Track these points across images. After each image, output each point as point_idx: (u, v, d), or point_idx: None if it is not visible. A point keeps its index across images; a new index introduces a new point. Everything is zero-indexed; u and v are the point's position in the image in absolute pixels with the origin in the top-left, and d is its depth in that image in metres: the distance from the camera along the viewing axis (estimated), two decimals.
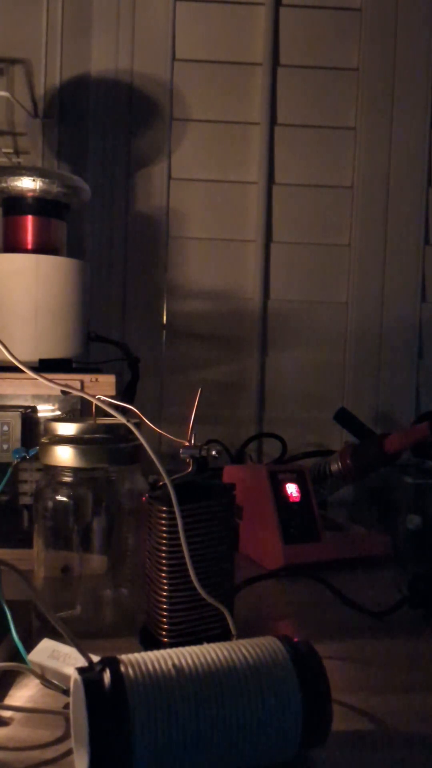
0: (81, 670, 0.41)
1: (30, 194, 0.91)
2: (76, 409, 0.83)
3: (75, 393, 0.61)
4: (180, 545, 0.52)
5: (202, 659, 0.41)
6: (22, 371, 0.56)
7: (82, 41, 1.20)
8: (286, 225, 1.25)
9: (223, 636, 0.54)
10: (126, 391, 1.07)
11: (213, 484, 0.60)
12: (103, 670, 0.40)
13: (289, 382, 1.26)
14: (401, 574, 0.77)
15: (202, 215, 1.22)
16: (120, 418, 0.56)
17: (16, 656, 0.52)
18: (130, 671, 0.40)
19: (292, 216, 1.25)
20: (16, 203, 0.93)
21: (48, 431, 0.64)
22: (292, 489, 0.85)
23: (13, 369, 0.59)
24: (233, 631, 0.54)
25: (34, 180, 0.89)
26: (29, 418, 0.81)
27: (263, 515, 0.83)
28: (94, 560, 0.65)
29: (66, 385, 0.59)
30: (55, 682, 0.50)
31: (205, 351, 1.23)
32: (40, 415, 0.82)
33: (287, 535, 0.81)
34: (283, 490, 0.84)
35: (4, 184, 0.90)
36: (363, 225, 1.25)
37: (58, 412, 0.83)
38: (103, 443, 0.62)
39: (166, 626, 0.54)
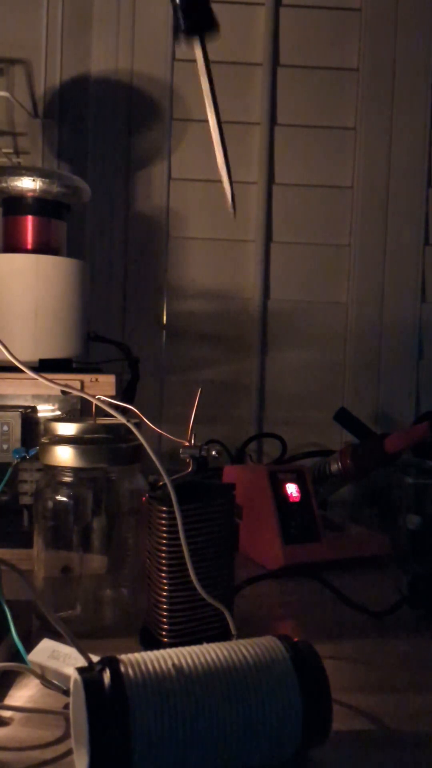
0: (81, 670, 0.41)
1: (30, 194, 0.91)
2: (76, 409, 0.83)
3: (75, 393, 0.61)
4: (180, 545, 0.52)
5: (202, 659, 0.41)
6: (22, 371, 0.56)
7: (82, 41, 1.20)
8: (286, 225, 1.25)
9: (223, 636, 0.54)
10: (126, 391, 1.07)
11: (213, 484, 0.60)
12: (103, 670, 0.40)
13: (289, 382, 1.26)
14: (401, 574, 0.77)
15: (202, 215, 1.22)
16: (120, 418, 0.56)
17: (16, 656, 0.52)
18: (130, 671, 0.40)
19: (292, 216, 1.25)
20: (16, 203, 0.93)
21: (48, 431, 0.64)
22: (292, 489, 0.85)
23: (13, 369, 0.59)
24: (233, 631, 0.54)
25: (34, 180, 0.89)
26: (29, 418, 0.81)
27: (263, 515, 0.83)
28: (94, 560, 0.65)
29: (66, 385, 0.59)
30: (55, 682, 0.50)
31: (205, 351, 1.23)
32: (40, 415, 0.82)
33: (287, 535, 0.81)
34: (283, 490, 0.85)
35: (4, 184, 0.90)
36: (363, 225, 1.25)
37: (58, 412, 0.83)
38: (103, 443, 0.62)
39: (166, 626, 0.54)
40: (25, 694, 0.51)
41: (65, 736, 0.45)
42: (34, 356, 0.88)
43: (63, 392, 0.81)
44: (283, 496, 0.84)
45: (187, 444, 0.57)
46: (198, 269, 1.23)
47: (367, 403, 1.25)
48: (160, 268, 1.23)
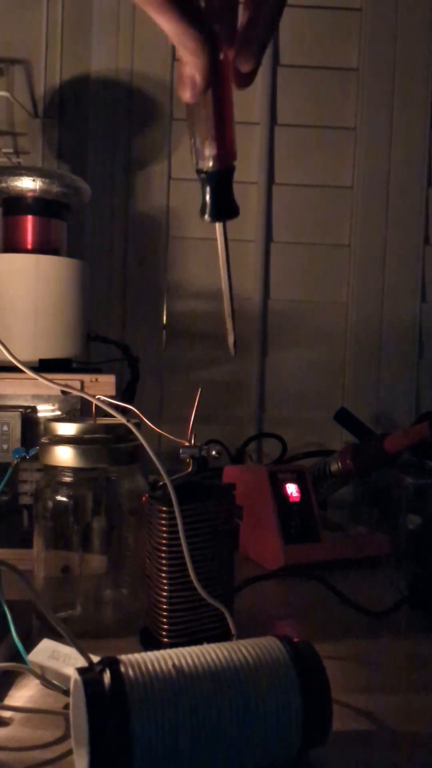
0: (81, 671, 0.41)
1: (30, 194, 0.91)
2: (76, 409, 0.83)
3: (75, 393, 0.61)
4: (180, 545, 0.52)
5: (202, 659, 0.41)
6: (22, 371, 0.56)
7: (82, 41, 1.20)
8: (286, 225, 1.25)
9: (223, 636, 0.54)
10: (126, 391, 1.07)
11: (213, 484, 0.60)
12: (103, 670, 0.40)
13: (289, 382, 1.26)
14: (401, 574, 0.77)
15: None
16: (120, 418, 0.56)
17: (16, 656, 0.52)
18: (130, 671, 0.40)
19: (292, 216, 1.25)
20: (16, 203, 0.93)
21: (48, 431, 0.64)
22: (292, 489, 0.85)
23: (13, 369, 0.59)
24: (233, 631, 0.54)
25: (34, 180, 0.89)
26: (29, 418, 0.81)
27: (263, 515, 0.83)
28: (94, 560, 0.65)
29: (66, 385, 0.59)
30: (55, 682, 0.50)
31: (205, 351, 1.23)
32: (40, 415, 0.82)
33: (287, 535, 0.81)
34: (283, 490, 0.84)
35: (4, 184, 0.90)
36: (363, 225, 1.25)
37: (58, 412, 0.83)
38: (103, 443, 0.62)
39: (166, 626, 0.54)
40: (25, 694, 0.51)
41: (65, 736, 0.45)
42: (34, 356, 0.88)
43: (63, 392, 0.81)
44: (283, 496, 0.84)
45: (187, 444, 0.57)
46: (198, 269, 1.23)
47: (367, 403, 1.25)
48: (160, 268, 1.23)
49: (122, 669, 0.40)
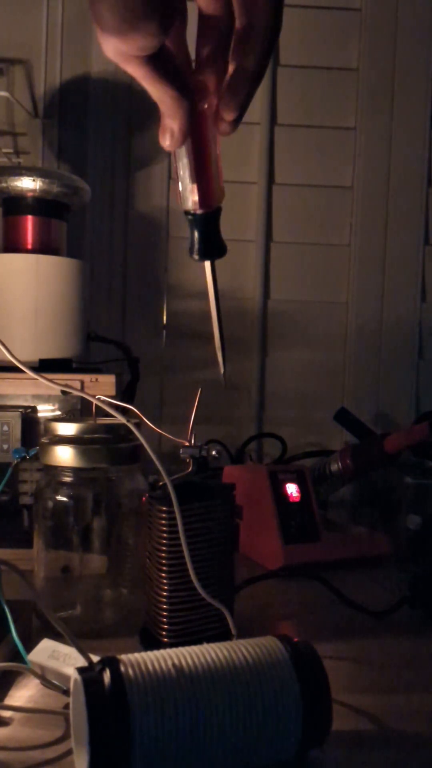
0: (81, 670, 0.41)
1: (30, 194, 0.91)
2: (76, 409, 0.83)
3: (75, 393, 0.61)
4: (180, 545, 0.52)
5: (202, 659, 0.41)
6: (22, 371, 0.56)
7: (82, 41, 1.20)
8: (286, 225, 1.25)
9: (223, 636, 0.54)
10: (126, 391, 1.07)
11: (213, 484, 0.60)
12: (103, 670, 0.40)
13: (289, 382, 1.26)
14: (401, 574, 0.77)
15: None
16: (120, 418, 0.56)
17: (16, 656, 0.52)
18: (130, 671, 0.40)
19: (292, 216, 1.25)
20: (16, 203, 0.93)
21: (48, 431, 0.64)
22: (292, 489, 0.85)
23: (13, 369, 0.59)
24: (233, 631, 0.54)
25: (34, 180, 0.89)
26: (29, 418, 0.81)
27: (263, 515, 0.83)
28: (94, 560, 0.65)
29: (66, 385, 0.59)
30: (55, 682, 0.50)
31: (205, 351, 1.22)
32: (40, 415, 0.82)
33: (287, 535, 0.81)
34: (283, 490, 0.84)
35: (4, 184, 0.90)
36: (363, 225, 1.25)
37: (58, 412, 0.83)
38: (103, 443, 0.62)
39: (166, 626, 0.54)
40: (25, 694, 0.51)
41: (65, 736, 0.45)
42: (34, 356, 0.88)
43: (63, 392, 0.81)
44: (283, 496, 0.84)
45: (187, 444, 0.57)
46: (198, 269, 1.22)
47: (367, 403, 1.25)
48: (160, 268, 1.23)
49: (122, 669, 0.40)
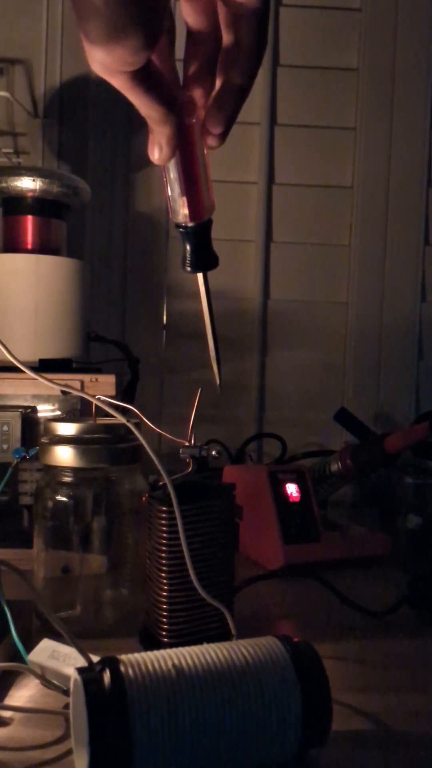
0: (81, 670, 0.41)
1: (30, 194, 0.91)
2: (76, 409, 0.83)
3: (75, 393, 0.61)
4: (180, 545, 0.52)
5: (202, 659, 0.41)
6: (22, 371, 0.56)
7: (82, 41, 1.20)
8: (286, 225, 1.25)
9: (223, 636, 0.54)
10: (126, 391, 1.07)
11: (213, 484, 0.60)
12: (103, 670, 0.40)
13: (289, 382, 1.26)
14: (401, 574, 0.77)
15: None
16: (120, 418, 0.56)
17: (16, 656, 0.52)
18: (130, 671, 0.40)
19: (292, 216, 1.25)
20: (16, 203, 0.93)
21: (48, 431, 0.64)
22: (292, 489, 0.85)
23: (13, 369, 0.59)
24: (233, 631, 0.54)
25: (34, 180, 0.89)
26: (29, 418, 0.81)
27: (263, 515, 0.83)
28: (94, 560, 0.65)
29: (66, 385, 0.59)
30: (55, 682, 0.50)
31: (205, 351, 1.22)
32: (40, 415, 0.82)
33: (287, 535, 0.81)
34: (283, 490, 0.84)
35: (4, 184, 0.90)
36: (363, 225, 1.25)
37: (58, 412, 0.83)
38: (103, 443, 0.62)
39: (166, 626, 0.54)
40: (25, 694, 0.51)
41: (65, 736, 0.45)
42: (34, 356, 0.88)
43: (63, 392, 0.81)
44: (283, 496, 0.84)
45: (187, 444, 0.57)
46: None
47: (367, 403, 1.25)
48: (160, 268, 1.23)
49: (122, 669, 0.40)
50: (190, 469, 0.57)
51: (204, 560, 0.55)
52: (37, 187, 0.90)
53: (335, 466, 0.94)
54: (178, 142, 0.42)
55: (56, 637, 0.51)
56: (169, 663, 0.41)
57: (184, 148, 0.43)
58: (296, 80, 1.24)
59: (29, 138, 1.20)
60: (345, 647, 0.61)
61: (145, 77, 0.39)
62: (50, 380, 0.57)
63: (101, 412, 0.59)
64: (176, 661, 0.41)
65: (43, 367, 0.88)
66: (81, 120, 1.21)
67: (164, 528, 0.54)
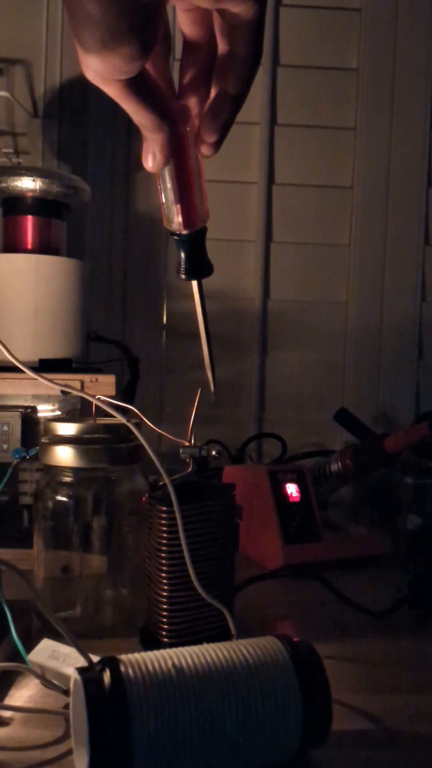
0: (81, 670, 0.41)
1: (30, 194, 0.91)
2: (76, 409, 0.83)
3: (75, 393, 0.61)
4: (180, 545, 0.52)
5: (202, 659, 0.41)
6: (22, 371, 0.56)
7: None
8: (286, 225, 1.25)
9: (223, 636, 0.54)
10: (126, 391, 1.07)
11: (213, 484, 0.60)
12: (103, 670, 0.40)
13: (289, 382, 1.26)
14: (401, 574, 0.77)
15: None
16: (120, 418, 0.56)
17: (16, 656, 0.52)
18: (130, 671, 0.40)
19: (292, 216, 1.25)
20: (16, 203, 0.93)
21: (48, 431, 0.64)
22: (292, 489, 0.85)
23: (13, 369, 0.59)
24: (233, 631, 0.54)
25: (34, 180, 0.89)
26: (29, 418, 0.81)
27: (263, 515, 0.83)
28: (94, 560, 0.65)
29: (66, 385, 0.59)
30: (55, 682, 0.50)
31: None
32: (40, 415, 0.82)
33: (287, 535, 0.81)
34: (283, 490, 0.84)
35: (4, 184, 0.90)
36: (363, 225, 1.25)
37: (58, 412, 0.83)
38: (103, 443, 0.62)
39: (166, 626, 0.54)
40: (25, 694, 0.51)
41: (65, 736, 0.45)
42: (34, 356, 0.88)
43: (63, 392, 0.81)
44: (283, 496, 0.84)
45: (187, 444, 0.57)
46: None
47: (367, 403, 1.25)
48: (160, 268, 1.23)
49: (122, 669, 0.40)
50: (190, 469, 0.57)
51: (204, 560, 0.55)
52: (37, 187, 0.90)
53: (335, 466, 0.94)
54: (172, 151, 0.42)
55: (56, 637, 0.51)
56: (169, 663, 0.41)
57: (178, 156, 0.43)
58: (296, 80, 1.24)
59: (29, 138, 1.20)
60: (345, 647, 0.61)
61: (139, 85, 0.39)
62: (50, 380, 0.57)
63: (101, 412, 0.59)
64: (176, 661, 0.41)
65: (43, 367, 0.88)
66: (81, 120, 1.21)
67: (164, 528, 0.54)
